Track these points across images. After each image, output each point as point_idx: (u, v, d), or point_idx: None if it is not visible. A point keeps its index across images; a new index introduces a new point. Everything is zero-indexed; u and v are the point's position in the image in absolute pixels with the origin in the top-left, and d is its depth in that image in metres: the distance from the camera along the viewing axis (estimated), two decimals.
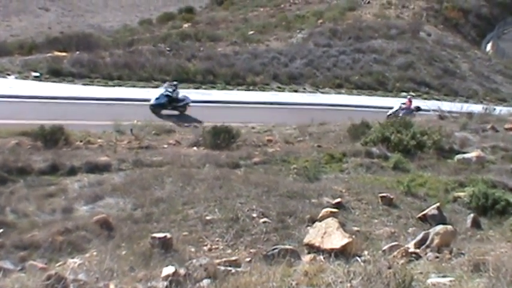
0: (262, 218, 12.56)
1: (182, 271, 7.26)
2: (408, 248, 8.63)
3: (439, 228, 8.96)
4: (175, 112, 28.31)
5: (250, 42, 43.67)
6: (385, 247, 9.08)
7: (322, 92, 37.93)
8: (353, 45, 44.51)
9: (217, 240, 11.57)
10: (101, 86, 32.91)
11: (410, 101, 31.30)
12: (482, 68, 47.59)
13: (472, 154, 19.88)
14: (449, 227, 9.26)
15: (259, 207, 13.03)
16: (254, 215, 12.67)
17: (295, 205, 13.42)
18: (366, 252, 9.00)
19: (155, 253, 10.20)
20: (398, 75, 41.36)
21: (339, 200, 13.90)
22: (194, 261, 7.92)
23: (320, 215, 12.13)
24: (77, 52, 36.30)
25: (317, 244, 9.17)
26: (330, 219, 10.00)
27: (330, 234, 9.18)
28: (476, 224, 12.80)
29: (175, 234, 11.43)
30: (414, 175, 17.42)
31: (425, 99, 38.60)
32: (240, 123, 25.56)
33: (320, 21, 50.51)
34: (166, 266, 7.50)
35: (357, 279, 6.14)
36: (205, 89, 35.07)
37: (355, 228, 12.10)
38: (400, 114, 29.00)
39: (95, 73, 34.15)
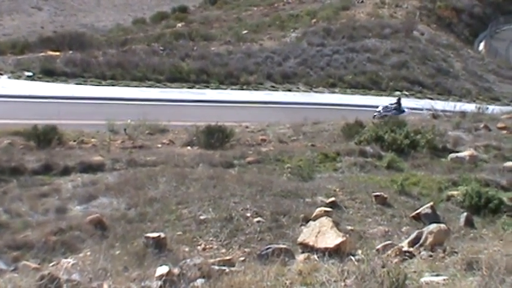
0: (256, 217, 12.55)
1: (176, 271, 7.25)
2: (402, 247, 8.64)
3: (433, 227, 8.97)
4: None
5: (243, 42, 43.67)
6: (379, 246, 9.08)
7: (315, 91, 37.99)
8: (347, 45, 44.59)
9: (211, 240, 11.56)
10: (94, 85, 32.84)
11: None
12: (475, 67, 47.77)
13: (465, 153, 19.94)
14: (442, 225, 9.26)
15: (253, 207, 13.02)
16: (248, 215, 12.65)
17: (289, 204, 13.41)
18: (359, 251, 9.01)
19: (149, 253, 10.18)
20: (392, 75, 41.45)
21: (332, 199, 13.88)
22: (188, 260, 7.90)
23: (314, 214, 12.11)
24: (70, 51, 36.23)
25: (311, 243, 9.17)
26: (323, 218, 9.99)
27: (324, 234, 9.18)
28: (469, 223, 12.82)
29: (169, 234, 11.41)
30: (408, 174, 17.45)
31: (418, 98, 38.73)
32: (233, 122, 25.54)
33: (314, 20, 50.58)
34: (160, 265, 7.48)
35: (351, 278, 6.15)
36: (198, 88, 35.06)
37: (349, 227, 12.10)
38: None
39: (88, 72, 34.09)
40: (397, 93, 37.23)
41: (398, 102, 30.90)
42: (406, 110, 30.97)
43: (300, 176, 16.65)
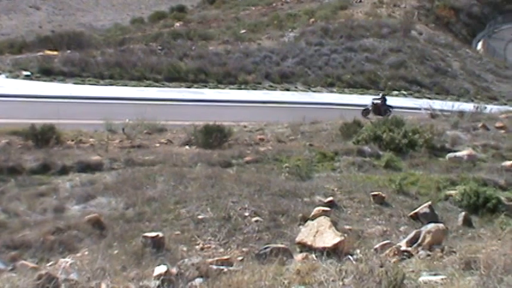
0: (254, 216, 12.56)
1: (174, 270, 7.24)
2: (400, 246, 8.64)
3: (431, 226, 8.98)
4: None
5: (242, 41, 43.68)
6: (377, 245, 9.10)
7: (314, 91, 38.01)
8: (345, 44, 44.62)
9: (210, 239, 11.56)
10: (92, 85, 32.82)
11: None
12: (473, 67, 47.82)
13: (464, 152, 19.96)
14: (440, 225, 9.28)
15: (251, 206, 13.02)
16: (246, 214, 12.66)
17: (287, 204, 13.42)
18: (358, 251, 9.02)
19: (147, 252, 10.18)
20: (390, 74, 41.49)
21: (331, 198, 13.90)
22: (186, 260, 7.91)
23: (312, 213, 12.13)
24: (68, 51, 36.21)
25: (309, 243, 9.19)
26: (322, 217, 10.02)
27: (322, 233, 9.20)
28: (467, 222, 12.85)
29: (167, 234, 11.41)
30: (406, 173, 17.46)
31: (416, 97, 38.76)
32: (232, 122, 25.52)
33: (312, 20, 50.60)
34: (158, 265, 7.47)
35: (349, 278, 6.14)
36: (197, 88, 35.05)
37: (347, 227, 12.10)
38: None
39: (86, 72, 34.08)
40: (395, 92, 36.79)
41: None
42: None
43: (298, 175, 16.64)
